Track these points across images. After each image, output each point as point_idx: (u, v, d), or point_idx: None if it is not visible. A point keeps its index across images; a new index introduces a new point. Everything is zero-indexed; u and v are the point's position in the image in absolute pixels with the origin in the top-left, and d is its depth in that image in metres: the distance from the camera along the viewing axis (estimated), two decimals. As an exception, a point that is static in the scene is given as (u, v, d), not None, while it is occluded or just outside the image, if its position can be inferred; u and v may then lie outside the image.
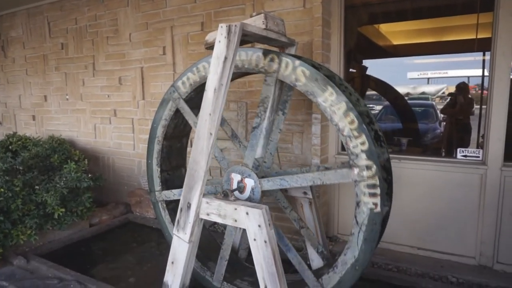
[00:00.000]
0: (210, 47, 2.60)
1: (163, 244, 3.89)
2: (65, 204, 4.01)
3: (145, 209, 4.86)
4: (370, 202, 2.22)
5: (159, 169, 3.32)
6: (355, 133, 2.25)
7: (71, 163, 4.15)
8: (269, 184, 2.64)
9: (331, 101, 2.33)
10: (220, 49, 2.40)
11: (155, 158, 3.33)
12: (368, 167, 2.21)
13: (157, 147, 3.31)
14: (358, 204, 2.27)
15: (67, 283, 3.11)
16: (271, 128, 3.23)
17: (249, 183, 2.72)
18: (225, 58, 2.37)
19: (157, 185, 3.33)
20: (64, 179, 3.97)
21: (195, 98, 3.18)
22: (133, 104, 4.99)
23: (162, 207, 3.35)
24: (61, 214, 3.86)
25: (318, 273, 2.68)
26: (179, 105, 3.14)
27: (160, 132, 3.28)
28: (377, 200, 2.19)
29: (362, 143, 2.23)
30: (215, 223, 4.41)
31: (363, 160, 2.23)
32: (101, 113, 5.33)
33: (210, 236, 3.63)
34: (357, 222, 2.28)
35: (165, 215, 3.35)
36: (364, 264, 2.28)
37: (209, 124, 2.46)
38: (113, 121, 5.23)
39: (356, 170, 2.25)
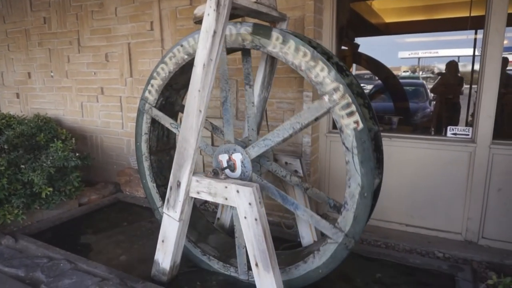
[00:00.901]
0: (199, 21, 2.51)
1: (154, 223, 3.89)
2: (53, 183, 3.95)
3: (135, 188, 4.82)
4: (351, 123, 2.23)
5: (154, 185, 3.30)
6: (312, 63, 2.29)
7: (58, 142, 4.06)
8: (255, 149, 2.63)
9: (279, 46, 2.38)
10: (209, 22, 2.31)
11: (148, 175, 3.32)
12: (335, 89, 2.24)
13: (146, 164, 3.29)
14: (341, 130, 2.28)
15: (57, 262, 3.09)
16: (263, 105, 3.19)
17: (237, 157, 2.70)
18: (214, 32, 2.29)
19: (158, 202, 3.31)
20: (51, 158, 3.89)
21: (168, 97, 3.26)
22: (120, 81, 4.86)
23: None
24: (48, 193, 3.80)
25: (332, 220, 2.71)
26: (152, 114, 3.14)
27: (144, 148, 3.26)
28: (356, 117, 2.21)
29: (321, 70, 2.27)
30: (206, 201, 4.41)
31: (328, 85, 2.26)
32: (88, 91, 5.19)
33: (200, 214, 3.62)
34: (347, 148, 2.27)
35: None
36: (370, 188, 2.25)
37: (199, 100, 2.41)
38: (101, 99, 5.11)
39: (326, 97, 2.28)
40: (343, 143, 2.28)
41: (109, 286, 2.70)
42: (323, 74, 2.26)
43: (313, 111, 2.36)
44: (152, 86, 3.13)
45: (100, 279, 2.82)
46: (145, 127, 3.24)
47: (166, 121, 3.11)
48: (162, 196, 3.23)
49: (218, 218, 3.60)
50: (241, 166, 2.68)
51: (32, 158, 3.95)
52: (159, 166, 3.39)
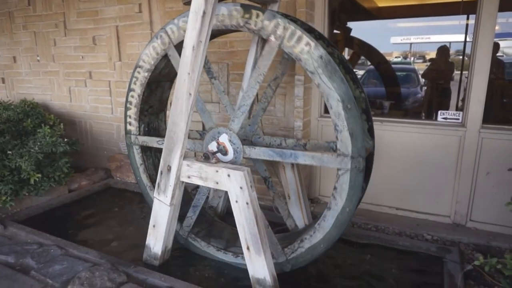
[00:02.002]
0: (188, 2, 2.44)
1: (145, 208, 3.87)
2: (41, 169, 3.89)
3: (125, 174, 4.78)
4: (303, 47, 2.29)
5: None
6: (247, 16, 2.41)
7: (45, 127, 3.98)
8: (236, 122, 2.66)
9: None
10: (198, 3, 2.25)
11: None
12: (276, 26, 2.34)
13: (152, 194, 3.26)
14: (299, 59, 2.33)
15: (47, 248, 3.06)
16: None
17: (224, 138, 2.69)
18: (204, 12, 2.24)
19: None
20: (39, 143, 3.82)
21: (149, 123, 3.37)
22: (109, 65, 4.76)
23: None
24: (37, 179, 3.75)
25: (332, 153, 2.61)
26: (140, 142, 3.23)
27: (146, 179, 3.32)
28: (306, 40, 2.27)
29: (257, 16, 2.39)
30: (197, 186, 4.39)
31: (268, 26, 2.36)
32: (76, 75, 5.08)
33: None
34: (312, 72, 2.30)
35: None
36: (350, 99, 2.23)
37: (188, 84, 2.37)
38: (89, 84, 5.01)
39: (272, 37, 2.37)
40: (307, 70, 2.31)
41: (100, 271, 2.68)
42: (260, 19, 2.36)
43: (267, 56, 2.42)
44: (130, 117, 3.24)
45: (91, 264, 2.81)
46: (138, 158, 3.29)
47: (152, 141, 3.16)
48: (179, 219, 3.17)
49: (210, 204, 3.60)
50: (231, 145, 2.66)
51: (19, 144, 3.87)
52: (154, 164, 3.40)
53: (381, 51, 6.73)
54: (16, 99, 5.38)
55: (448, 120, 3.41)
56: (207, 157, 2.55)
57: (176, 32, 2.82)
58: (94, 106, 5.07)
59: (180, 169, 2.59)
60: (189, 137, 3.04)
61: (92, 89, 5.01)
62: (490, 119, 3.29)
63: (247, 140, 2.86)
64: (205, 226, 3.27)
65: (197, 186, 4.37)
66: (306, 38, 2.26)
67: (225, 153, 2.67)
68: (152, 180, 3.27)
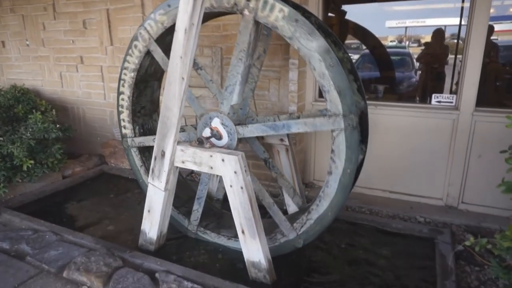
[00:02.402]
0: (179, -17, 2.38)
1: (141, 194, 3.87)
2: (34, 156, 3.86)
3: (120, 160, 4.76)
4: (277, 15, 2.29)
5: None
6: None
7: (37, 113, 3.93)
8: (225, 103, 2.62)
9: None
10: (189, -16, 2.20)
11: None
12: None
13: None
14: (275, 27, 2.34)
15: (42, 234, 3.06)
16: (247, 73, 3.11)
17: (216, 122, 2.67)
18: (196, -6, 2.19)
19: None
20: (30, 130, 3.78)
21: (143, 124, 3.37)
22: (100, 50, 4.68)
23: None
24: (30, 166, 3.72)
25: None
26: (137, 143, 3.25)
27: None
28: (279, 6, 2.27)
29: None
30: (192, 172, 4.40)
31: (241, 0, 2.37)
32: (67, 60, 4.99)
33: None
34: (290, 38, 2.30)
35: None
36: (331, 55, 2.22)
37: (181, 68, 2.33)
38: (80, 69, 4.93)
39: (245, 11, 2.37)
40: (285, 37, 2.31)
41: (96, 256, 2.70)
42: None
43: (244, 31, 2.42)
44: (123, 120, 3.24)
45: (87, 250, 2.82)
46: (137, 160, 3.28)
47: (149, 140, 3.14)
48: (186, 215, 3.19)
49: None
50: (224, 128, 2.65)
51: (11, 130, 3.83)
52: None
53: (376, 35, 6.68)
54: (6, 85, 5.28)
55: (442, 104, 3.42)
56: (201, 142, 2.54)
57: (155, 26, 2.84)
58: (86, 91, 5.00)
59: (174, 154, 2.58)
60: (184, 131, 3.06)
61: (83, 75, 4.93)
62: (483, 102, 3.29)
63: (241, 124, 2.84)
64: (214, 219, 3.26)
65: (192, 171, 4.39)
66: (279, 5, 2.27)
67: (219, 137, 2.65)
68: None
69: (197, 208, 3.04)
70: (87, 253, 2.75)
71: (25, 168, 3.70)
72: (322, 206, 2.47)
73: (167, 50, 2.96)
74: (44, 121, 3.90)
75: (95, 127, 5.10)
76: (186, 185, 3.55)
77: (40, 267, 2.68)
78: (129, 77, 3.08)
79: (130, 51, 3.01)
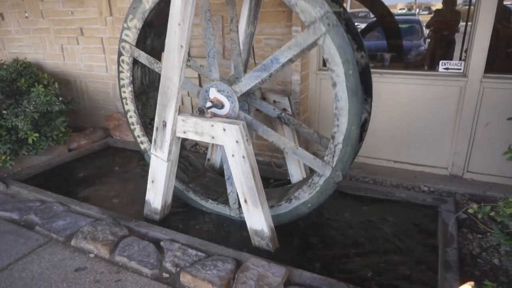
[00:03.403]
0: None
1: (146, 166, 3.90)
2: (38, 129, 3.88)
3: (124, 133, 4.78)
4: None
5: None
6: None
7: (39, 86, 3.92)
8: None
9: None
10: None
11: None
12: None
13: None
14: None
15: (50, 205, 3.12)
16: (249, 41, 3.05)
17: (223, 96, 2.62)
18: (192, -44, 2.10)
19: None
20: (34, 103, 3.78)
21: None
22: (100, 21, 4.58)
23: None
24: (35, 139, 3.75)
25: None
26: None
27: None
28: None
29: None
30: (196, 144, 4.40)
31: None
32: (67, 32, 4.91)
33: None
34: None
35: None
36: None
37: (179, 35, 2.28)
38: (81, 41, 4.86)
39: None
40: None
41: (102, 225, 2.76)
42: None
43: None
44: (139, 136, 3.25)
45: (94, 220, 2.88)
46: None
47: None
48: (225, 203, 3.06)
49: (209, 159, 3.62)
50: (222, 94, 2.61)
51: (14, 103, 3.83)
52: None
53: (385, 3, 6.44)
54: (8, 59, 5.25)
55: (449, 70, 3.32)
56: (202, 112, 2.52)
57: (130, 33, 2.90)
58: (88, 64, 4.96)
59: (175, 124, 2.57)
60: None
61: (85, 47, 4.87)
62: (493, 69, 3.19)
63: (243, 96, 2.79)
64: None
65: (196, 144, 4.40)
66: None
67: (221, 105, 2.61)
68: (184, 181, 3.20)
69: (231, 190, 2.88)
70: (94, 223, 2.81)
71: (30, 141, 3.73)
72: (342, 124, 2.26)
73: (151, 52, 3.03)
74: (46, 94, 3.90)
75: (98, 100, 5.09)
76: (220, 180, 3.42)
77: (49, 236, 2.75)
78: (128, 92, 3.11)
79: (120, 68, 3.06)
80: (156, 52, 3.07)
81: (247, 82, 2.49)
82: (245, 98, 2.76)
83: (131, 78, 3.05)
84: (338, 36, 2.08)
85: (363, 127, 2.50)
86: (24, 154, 3.84)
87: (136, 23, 2.82)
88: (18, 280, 2.32)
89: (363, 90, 2.29)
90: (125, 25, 2.89)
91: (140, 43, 2.94)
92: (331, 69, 2.18)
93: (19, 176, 3.78)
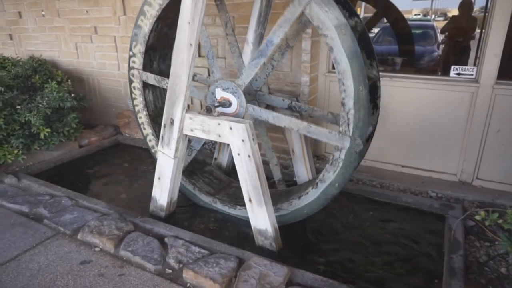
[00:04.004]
0: None
1: (154, 164, 3.94)
2: (50, 124, 3.96)
3: (134, 130, 4.84)
4: None
5: None
6: None
7: (52, 83, 4.00)
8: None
9: None
10: None
11: None
12: None
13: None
14: None
15: (58, 199, 3.18)
16: (259, 42, 3.06)
17: (229, 93, 2.64)
18: (203, -44, 2.13)
19: None
20: (47, 99, 3.86)
21: None
22: (114, 20, 4.66)
23: None
24: (47, 134, 3.82)
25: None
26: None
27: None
28: None
29: None
30: (204, 142, 4.43)
31: None
32: (81, 30, 5.01)
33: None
34: None
35: None
36: None
37: (189, 34, 2.30)
38: (95, 39, 4.95)
39: None
40: None
41: (108, 220, 2.79)
42: None
43: None
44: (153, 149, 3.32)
45: (100, 214, 2.92)
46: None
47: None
48: None
49: (216, 158, 3.64)
50: (226, 92, 2.63)
51: (28, 99, 3.92)
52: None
53: (400, 9, 6.40)
54: (24, 56, 5.37)
55: (461, 76, 3.28)
56: (209, 110, 2.54)
57: (136, 59, 3.02)
58: (101, 62, 5.04)
59: (183, 122, 2.59)
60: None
61: (98, 45, 4.95)
62: (505, 75, 3.14)
63: (251, 95, 2.81)
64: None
65: (204, 143, 4.42)
66: None
67: (229, 103, 2.63)
68: (211, 194, 3.22)
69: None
70: (100, 218, 2.85)
71: (42, 136, 3.81)
72: (349, 87, 2.17)
73: (160, 72, 3.14)
74: (59, 91, 3.98)
75: (110, 98, 5.17)
76: None
77: (56, 229, 2.79)
78: (144, 117, 3.22)
79: (133, 95, 3.18)
80: (164, 75, 3.10)
81: (248, 73, 2.50)
82: (253, 96, 2.78)
83: (144, 102, 3.16)
84: (323, 1, 2.10)
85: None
86: (36, 149, 3.92)
87: (140, 48, 2.96)
88: (26, 271, 2.37)
89: (366, 55, 2.27)
90: (130, 53, 3.04)
91: (147, 67, 3.06)
92: (324, 34, 2.16)
93: (31, 171, 3.85)
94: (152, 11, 2.77)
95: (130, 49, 3.01)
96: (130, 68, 3.08)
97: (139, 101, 3.16)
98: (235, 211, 3.03)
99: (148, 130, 3.24)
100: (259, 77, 2.78)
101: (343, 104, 2.22)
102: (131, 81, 3.13)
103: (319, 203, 2.55)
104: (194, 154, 3.19)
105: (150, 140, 3.28)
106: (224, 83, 2.60)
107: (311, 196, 2.55)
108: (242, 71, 2.57)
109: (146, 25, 2.84)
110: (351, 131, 2.23)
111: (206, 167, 3.51)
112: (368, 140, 2.55)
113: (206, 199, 3.16)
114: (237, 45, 2.78)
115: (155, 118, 3.25)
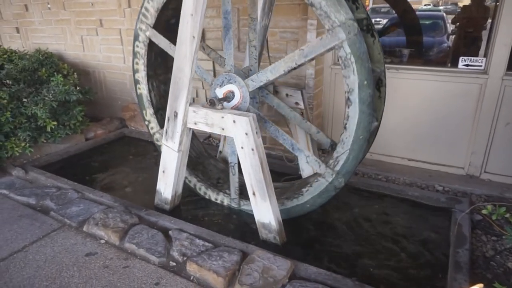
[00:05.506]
0: None
1: (159, 157, 3.95)
2: (57, 117, 3.99)
3: (139, 123, 4.85)
4: None
5: None
6: None
7: (58, 76, 4.02)
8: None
9: None
10: None
11: None
12: None
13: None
14: None
15: (65, 191, 3.21)
16: (263, 34, 3.03)
17: (236, 87, 2.61)
18: None
19: None
20: (52, 92, 3.88)
21: None
22: (119, 12, 4.65)
23: None
24: (53, 127, 3.85)
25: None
26: None
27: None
28: None
29: None
30: (209, 136, 4.43)
31: None
32: (87, 23, 5.01)
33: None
34: None
35: None
36: None
37: (191, 26, 2.28)
38: (100, 32, 4.94)
39: None
40: None
41: (113, 213, 2.81)
42: None
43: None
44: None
45: (106, 207, 2.95)
46: None
47: None
48: None
49: (220, 151, 3.64)
50: (227, 81, 2.61)
51: (34, 91, 3.94)
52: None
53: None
54: (31, 49, 5.39)
55: (469, 67, 3.21)
56: (212, 103, 2.52)
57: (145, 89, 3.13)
58: (106, 55, 5.04)
59: (186, 115, 2.59)
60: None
61: (103, 38, 4.95)
62: (516, 66, 3.08)
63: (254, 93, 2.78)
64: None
65: (209, 136, 4.43)
66: None
67: (233, 95, 2.60)
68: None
69: None
70: (106, 210, 2.87)
71: (48, 129, 3.84)
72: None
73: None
74: (65, 84, 3.99)
75: (115, 91, 5.18)
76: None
77: (63, 221, 2.83)
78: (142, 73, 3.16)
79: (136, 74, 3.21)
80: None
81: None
82: (256, 91, 2.76)
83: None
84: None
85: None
86: (43, 141, 3.96)
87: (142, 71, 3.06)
88: (32, 262, 2.40)
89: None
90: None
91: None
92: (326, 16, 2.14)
93: (38, 163, 3.90)
94: None
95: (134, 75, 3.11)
96: (137, 89, 3.18)
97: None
98: None
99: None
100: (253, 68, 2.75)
101: (346, 78, 2.31)
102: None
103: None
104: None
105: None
106: (226, 76, 2.58)
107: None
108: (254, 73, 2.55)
109: (139, 67, 3.02)
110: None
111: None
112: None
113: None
114: (255, 46, 2.72)
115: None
